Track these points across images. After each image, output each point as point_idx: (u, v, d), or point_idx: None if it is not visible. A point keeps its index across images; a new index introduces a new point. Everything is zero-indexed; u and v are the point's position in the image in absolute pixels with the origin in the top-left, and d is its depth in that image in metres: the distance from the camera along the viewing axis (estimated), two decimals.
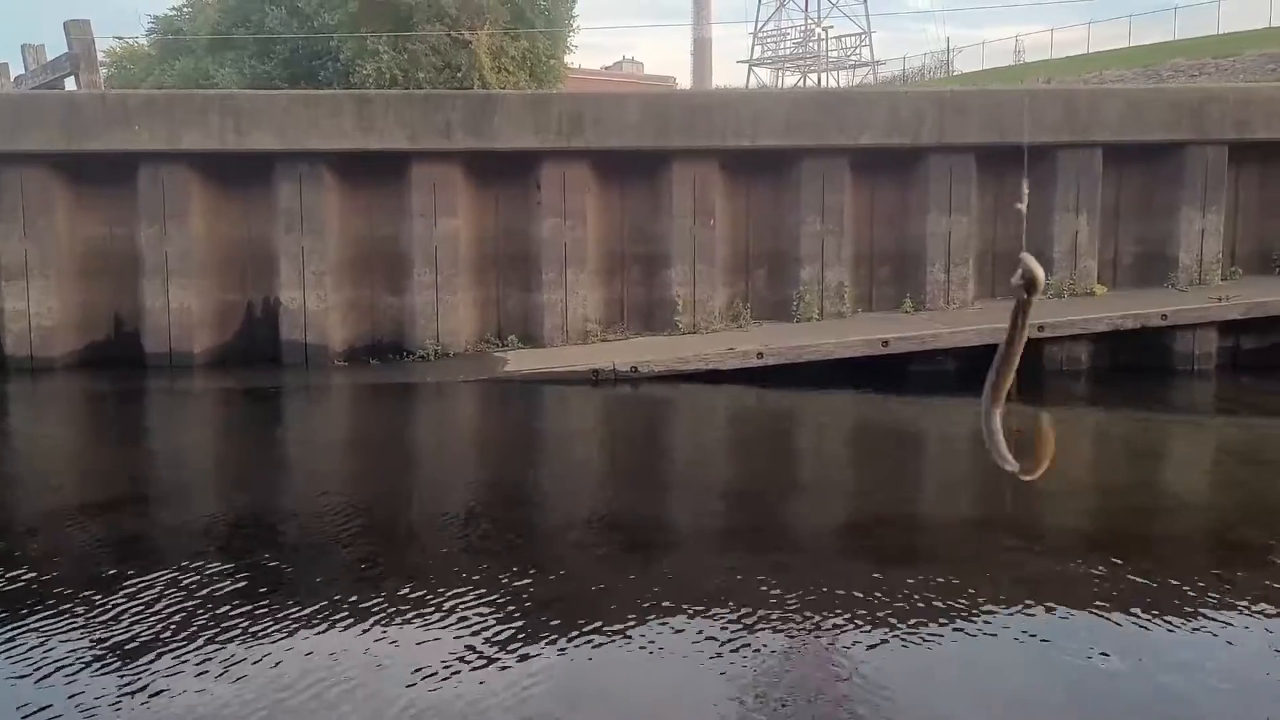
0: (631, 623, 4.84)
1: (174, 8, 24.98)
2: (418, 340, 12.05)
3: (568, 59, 25.88)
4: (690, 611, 4.96)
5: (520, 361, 11.56)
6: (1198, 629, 4.79)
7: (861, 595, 5.12)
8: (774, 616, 4.90)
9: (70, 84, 17.93)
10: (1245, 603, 5.08)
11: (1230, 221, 13.04)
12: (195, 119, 11.62)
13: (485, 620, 4.85)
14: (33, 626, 4.78)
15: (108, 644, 4.60)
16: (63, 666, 4.40)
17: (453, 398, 10.83)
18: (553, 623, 4.82)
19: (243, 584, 5.33)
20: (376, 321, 12.35)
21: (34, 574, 5.49)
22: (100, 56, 25.88)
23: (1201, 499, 7.52)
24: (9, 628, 4.77)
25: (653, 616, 4.91)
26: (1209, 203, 12.72)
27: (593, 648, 4.60)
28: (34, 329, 11.75)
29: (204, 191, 11.98)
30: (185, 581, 5.34)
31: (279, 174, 11.86)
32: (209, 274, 12.02)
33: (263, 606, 5.01)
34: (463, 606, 5.00)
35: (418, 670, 4.37)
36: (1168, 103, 12.88)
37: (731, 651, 4.53)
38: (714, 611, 4.96)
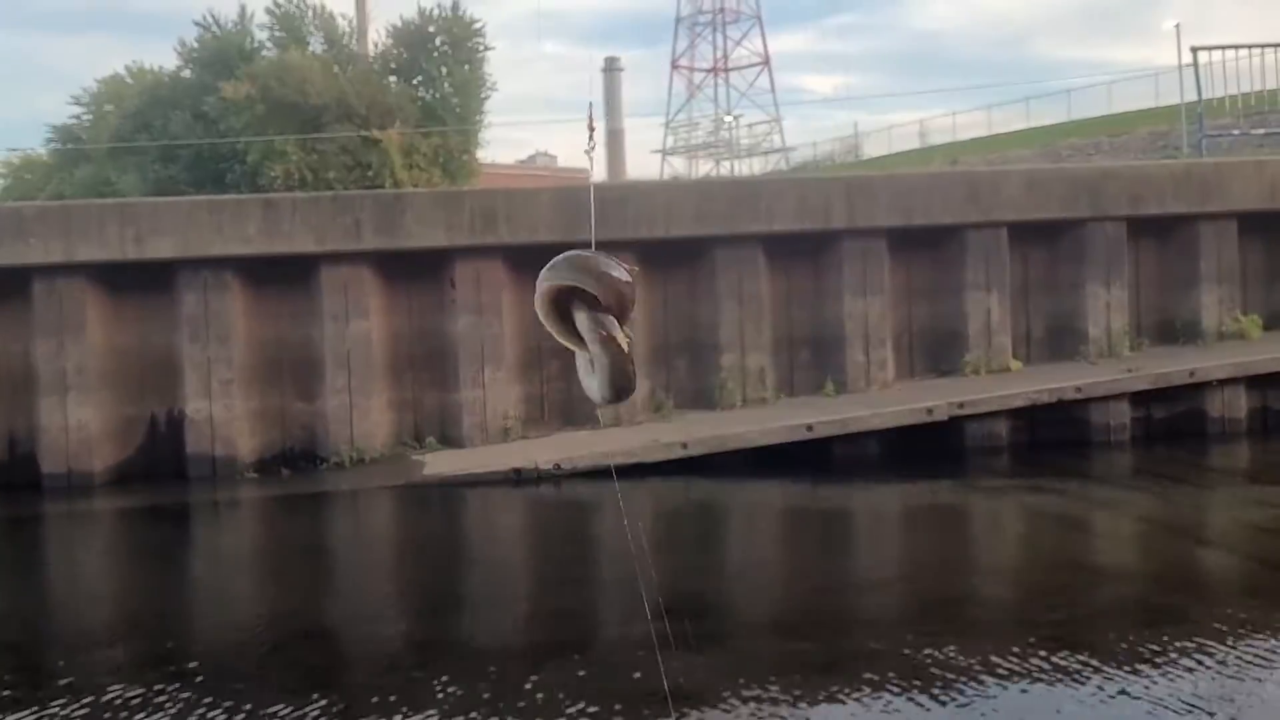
0: None
1: (73, 116, 24.53)
2: (332, 446, 11.66)
3: (480, 154, 25.97)
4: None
5: (439, 464, 11.23)
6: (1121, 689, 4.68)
7: (798, 690, 4.92)
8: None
9: None
10: (1171, 664, 5.00)
11: (1134, 294, 13.38)
12: (93, 229, 11.25)
13: None
14: None
15: None
16: None
17: (368, 506, 10.44)
18: None
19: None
20: (287, 429, 11.93)
21: None
22: None
23: (1123, 569, 7.50)
24: None
25: None
26: (1112, 277, 13.05)
27: None
28: None
29: (102, 302, 11.55)
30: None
31: (182, 282, 11.51)
32: (109, 388, 11.53)
33: None
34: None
35: None
36: (1066, 181, 13.28)
37: None
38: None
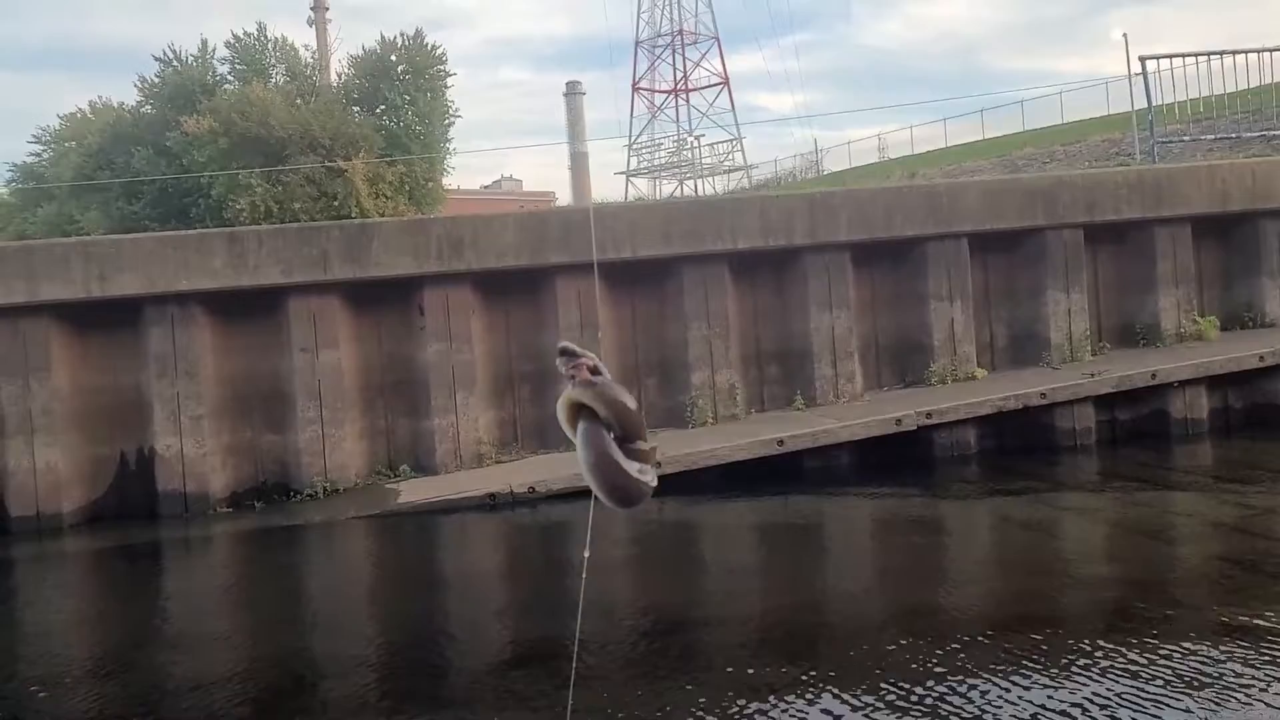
0: None
1: (34, 154, 24.39)
2: (305, 478, 11.63)
3: (446, 180, 26.02)
4: None
5: (413, 491, 11.23)
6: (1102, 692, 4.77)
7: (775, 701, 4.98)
8: None
9: None
10: (1143, 668, 5.10)
11: (1093, 299, 13.61)
12: (56, 268, 11.21)
13: None
14: None
15: None
16: None
17: (341, 537, 10.39)
18: None
19: None
20: (260, 462, 11.88)
21: None
22: None
23: (1095, 573, 7.61)
24: None
25: None
26: (1071, 283, 13.27)
27: None
28: None
29: (68, 342, 11.49)
30: None
31: (148, 318, 11.47)
32: (76, 428, 11.45)
33: None
34: None
35: None
36: (1022, 191, 13.51)
37: None
38: None
